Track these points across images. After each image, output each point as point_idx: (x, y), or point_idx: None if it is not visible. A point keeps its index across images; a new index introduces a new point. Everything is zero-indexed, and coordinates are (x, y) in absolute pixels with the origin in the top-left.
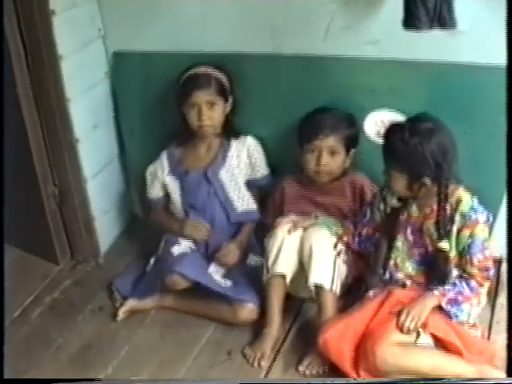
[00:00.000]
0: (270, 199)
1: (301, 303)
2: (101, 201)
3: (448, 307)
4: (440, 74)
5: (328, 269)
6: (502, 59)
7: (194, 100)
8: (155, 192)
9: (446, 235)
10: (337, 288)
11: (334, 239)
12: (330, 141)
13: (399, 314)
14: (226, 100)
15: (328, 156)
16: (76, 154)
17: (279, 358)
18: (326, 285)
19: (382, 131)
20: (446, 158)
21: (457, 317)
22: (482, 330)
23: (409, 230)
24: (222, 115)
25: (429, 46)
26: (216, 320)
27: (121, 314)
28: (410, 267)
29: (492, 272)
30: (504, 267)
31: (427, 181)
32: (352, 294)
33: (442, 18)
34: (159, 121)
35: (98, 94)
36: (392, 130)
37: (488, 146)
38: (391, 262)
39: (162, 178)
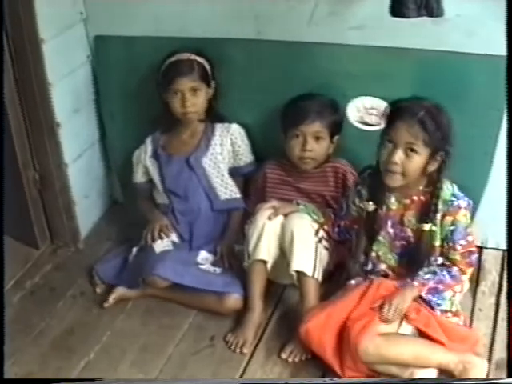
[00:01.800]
0: (252, 184)
1: (282, 289)
2: (81, 185)
3: (429, 297)
4: (424, 62)
5: (310, 255)
6: (486, 47)
7: (177, 87)
8: (139, 176)
9: (430, 213)
10: (319, 275)
11: (315, 226)
12: (316, 126)
13: (381, 307)
14: (209, 85)
15: (313, 142)
16: (57, 138)
17: (261, 345)
18: (308, 271)
19: (365, 118)
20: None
21: (439, 305)
22: (464, 318)
23: (389, 224)
24: (205, 101)
25: (414, 32)
26: (201, 309)
27: (111, 300)
28: (392, 259)
29: (475, 257)
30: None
31: (443, 157)
32: (333, 280)
33: (430, 6)
34: (140, 106)
35: (79, 78)
36: (408, 105)
37: (472, 133)
38: (373, 254)
39: (144, 162)
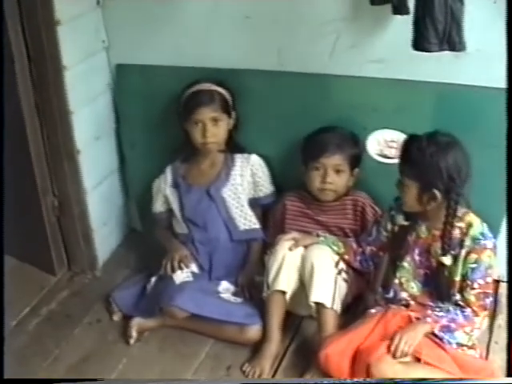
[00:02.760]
0: (271, 216)
1: (300, 320)
2: (100, 213)
3: (441, 334)
4: (444, 95)
5: (329, 287)
6: (504, 82)
7: (198, 117)
8: (158, 206)
9: (451, 253)
10: (337, 306)
11: (335, 257)
12: (336, 159)
13: (392, 338)
14: (230, 116)
15: (333, 174)
16: (77, 165)
17: (278, 375)
18: (327, 303)
19: (385, 151)
20: (460, 174)
21: (450, 343)
22: (480, 351)
23: (416, 251)
24: (225, 131)
25: (433, 66)
26: (221, 339)
27: (134, 334)
28: (414, 287)
29: (489, 300)
30: (503, 288)
31: (437, 193)
32: (351, 312)
33: (452, 41)
34: (160, 134)
35: (100, 106)
36: (410, 139)
37: (489, 168)
38: (396, 281)
39: (164, 191)
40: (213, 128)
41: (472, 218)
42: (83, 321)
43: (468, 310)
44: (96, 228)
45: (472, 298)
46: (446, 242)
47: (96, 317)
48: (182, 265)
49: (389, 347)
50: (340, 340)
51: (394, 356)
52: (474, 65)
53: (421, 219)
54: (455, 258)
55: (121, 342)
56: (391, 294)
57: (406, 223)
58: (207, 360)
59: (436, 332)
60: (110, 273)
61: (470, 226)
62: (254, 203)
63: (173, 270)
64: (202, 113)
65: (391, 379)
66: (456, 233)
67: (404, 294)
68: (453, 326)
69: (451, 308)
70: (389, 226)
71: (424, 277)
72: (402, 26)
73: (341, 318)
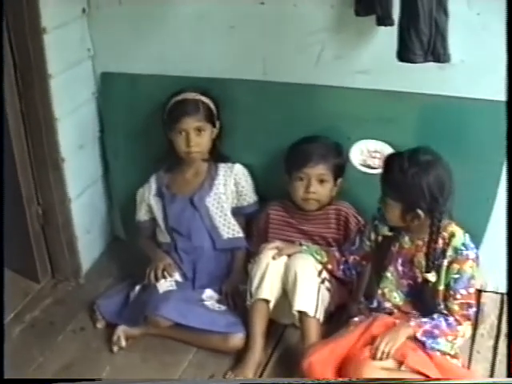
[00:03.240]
0: (255, 225)
1: (283, 329)
2: (83, 221)
3: (423, 338)
4: (429, 106)
5: (312, 296)
6: (489, 92)
7: (183, 126)
8: (142, 214)
9: (435, 268)
10: (320, 315)
11: (318, 267)
12: (320, 169)
13: (373, 340)
14: (214, 125)
15: (317, 184)
16: (61, 173)
17: None
18: (310, 312)
19: (368, 161)
20: (442, 193)
21: (432, 349)
22: (462, 361)
23: (399, 261)
24: (209, 141)
25: (419, 77)
26: (205, 348)
27: (118, 342)
28: (397, 298)
29: (473, 311)
30: (485, 297)
31: (420, 213)
32: (334, 321)
33: (436, 52)
34: (144, 143)
35: (84, 114)
36: (391, 159)
37: (474, 178)
38: (379, 292)
39: (147, 200)
40: (197, 137)
41: (454, 228)
42: (67, 328)
43: (451, 319)
44: (80, 236)
45: (455, 307)
46: (430, 260)
47: (80, 325)
48: (166, 274)
49: (369, 350)
50: (323, 349)
51: (374, 357)
52: (459, 76)
53: (404, 231)
54: (438, 268)
55: (104, 350)
56: (375, 304)
57: (389, 234)
58: (190, 368)
59: (418, 336)
60: (93, 281)
61: (452, 236)
62: (237, 212)
63: (156, 279)
64: (187, 122)
65: (376, 379)
66: (439, 243)
67: (387, 304)
68: (436, 332)
69: (435, 315)
70: (372, 236)
71: (407, 287)
72: (387, 37)
73: (324, 327)
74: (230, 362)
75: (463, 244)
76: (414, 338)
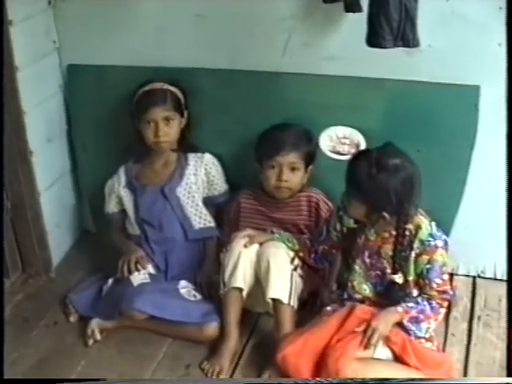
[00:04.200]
0: (226, 214)
1: (257, 318)
2: (53, 214)
3: (409, 325)
4: (397, 92)
5: (285, 283)
6: (457, 77)
7: (151, 116)
8: (111, 206)
9: (401, 260)
10: (294, 302)
11: (290, 254)
12: (291, 157)
13: (365, 330)
14: (182, 115)
15: (289, 172)
16: (30, 166)
17: (237, 373)
18: (284, 299)
19: (338, 147)
20: (409, 197)
21: (415, 334)
22: (437, 343)
23: (366, 254)
24: (178, 131)
25: (387, 63)
26: (180, 338)
27: (93, 336)
28: (367, 290)
29: (449, 294)
30: (456, 281)
31: (386, 215)
32: (307, 308)
33: (406, 37)
34: (112, 135)
35: (52, 107)
36: (358, 160)
37: (441, 164)
38: (349, 284)
39: (117, 192)
40: (165, 127)
41: (420, 219)
42: (40, 323)
43: (434, 302)
44: (49, 230)
45: (433, 293)
46: (396, 261)
47: (53, 319)
48: (139, 266)
49: (348, 343)
50: (297, 341)
51: (366, 346)
52: (427, 61)
53: (369, 225)
54: (406, 260)
55: (79, 344)
56: (345, 296)
57: (354, 226)
58: (166, 360)
59: (404, 323)
60: (64, 274)
61: (418, 228)
62: (208, 202)
63: (129, 272)
64: (155, 112)
65: (352, 379)
66: (404, 243)
67: (358, 296)
68: (421, 317)
69: (419, 299)
70: (338, 226)
71: (376, 278)
72: (355, 23)
73: (297, 314)
74: (206, 352)
75: (430, 235)
76: (399, 324)
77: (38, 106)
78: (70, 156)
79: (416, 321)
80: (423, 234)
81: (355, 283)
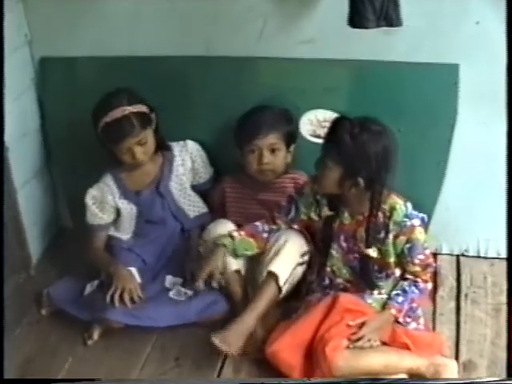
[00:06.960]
0: (210, 201)
1: None
2: (30, 211)
3: (405, 320)
4: (374, 73)
5: (288, 269)
6: (435, 56)
7: (124, 146)
8: (105, 217)
9: (378, 242)
10: (282, 290)
11: (305, 248)
12: (270, 139)
13: (358, 337)
14: (151, 125)
15: (269, 154)
16: (7, 162)
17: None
18: (281, 279)
19: (318, 131)
20: (387, 165)
21: (412, 326)
22: (424, 321)
23: (342, 238)
24: (153, 141)
25: (363, 44)
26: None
27: (95, 337)
28: (347, 273)
29: (433, 268)
30: (440, 260)
31: (361, 181)
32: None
33: (389, 17)
34: (87, 129)
35: (25, 102)
36: (340, 122)
37: (421, 144)
38: (328, 269)
39: (113, 204)
40: (140, 148)
41: (394, 200)
42: (23, 321)
43: (420, 283)
44: (27, 227)
45: (417, 269)
46: (370, 235)
47: (35, 317)
48: (135, 298)
49: (338, 334)
50: (285, 334)
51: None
52: (403, 41)
53: (343, 205)
54: (383, 242)
55: (64, 341)
56: (327, 282)
57: (330, 213)
58: (154, 352)
59: (401, 321)
60: (43, 271)
61: (393, 209)
62: (194, 189)
63: (123, 304)
64: (127, 142)
65: (376, 379)
66: (379, 217)
67: (339, 280)
68: (414, 305)
69: (406, 286)
70: (313, 208)
71: (354, 261)
72: (330, 5)
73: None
74: (193, 342)
75: (405, 215)
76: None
77: (12, 101)
78: (45, 151)
79: (412, 311)
80: (398, 215)
81: (334, 268)
